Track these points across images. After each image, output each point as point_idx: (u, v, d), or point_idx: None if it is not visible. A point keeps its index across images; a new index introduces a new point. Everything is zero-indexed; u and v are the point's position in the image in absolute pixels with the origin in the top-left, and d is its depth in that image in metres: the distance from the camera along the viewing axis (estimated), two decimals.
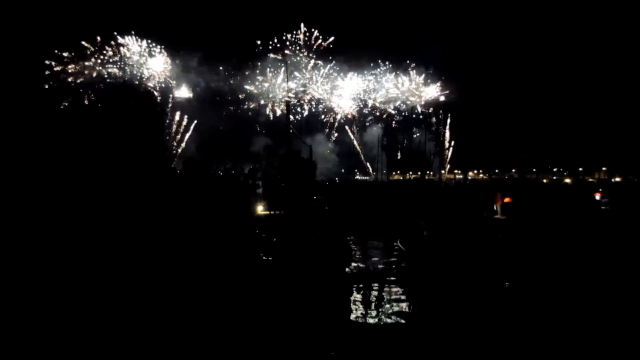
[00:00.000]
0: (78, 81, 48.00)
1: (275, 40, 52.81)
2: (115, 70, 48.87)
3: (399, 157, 62.41)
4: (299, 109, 55.20)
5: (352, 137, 59.07)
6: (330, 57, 54.15)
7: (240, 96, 53.60)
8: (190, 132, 51.75)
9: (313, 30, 53.62)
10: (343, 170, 61.66)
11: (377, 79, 56.93)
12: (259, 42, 52.56)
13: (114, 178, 20.80)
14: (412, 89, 57.84)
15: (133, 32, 49.04)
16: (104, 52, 48.48)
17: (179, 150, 51.22)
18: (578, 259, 13.05)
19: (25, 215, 14.75)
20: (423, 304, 10.91)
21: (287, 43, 53.34)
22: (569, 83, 61.48)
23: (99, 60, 48.44)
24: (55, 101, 44.60)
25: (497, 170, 76.24)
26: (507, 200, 22.54)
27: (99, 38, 48.09)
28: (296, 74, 54.19)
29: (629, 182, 60.38)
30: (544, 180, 67.42)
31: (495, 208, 22.38)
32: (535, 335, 8.09)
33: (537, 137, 61.43)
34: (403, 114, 59.57)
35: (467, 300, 10.36)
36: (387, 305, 10.68)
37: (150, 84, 50.06)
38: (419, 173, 61.87)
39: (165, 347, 7.22)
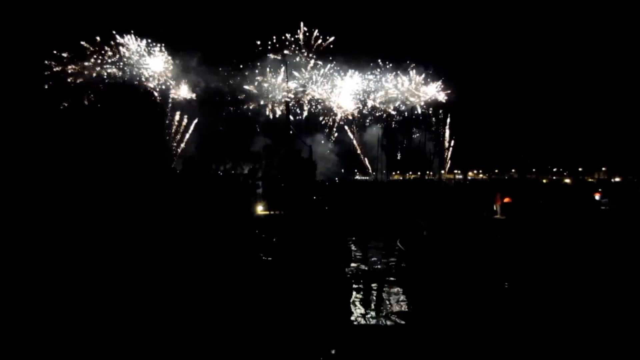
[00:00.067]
0: (78, 81, 48.06)
1: (275, 40, 52.91)
2: (115, 71, 48.91)
3: (398, 157, 62.52)
4: (298, 110, 55.28)
5: (351, 137, 59.17)
6: (331, 57, 54.27)
7: (239, 97, 53.68)
8: (190, 132, 51.85)
9: (313, 30, 53.71)
10: (343, 170, 61.68)
11: (377, 79, 57.04)
12: (258, 42, 52.65)
13: (114, 178, 20.81)
14: (411, 89, 57.92)
15: (132, 32, 49.11)
16: (104, 52, 48.57)
17: (179, 150, 51.31)
18: (578, 259, 13.06)
19: (26, 215, 14.76)
20: (423, 304, 10.92)
21: (287, 43, 53.41)
22: (568, 83, 61.54)
23: (99, 61, 48.51)
24: (55, 101, 44.62)
25: (496, 170, 76.37)
26: (506, 200, 22.54)
27: (98, 38, 48.16)
28: (296, 74, 54.27)
29: (629, 182, 60.41)
30: (544, 181, 67.47)
31: (495, 208, 22.38)
32: (535, 336, 8.09)
33: (537, 137, 61.56)
34: (403, 114, 59.68)
35: (466, 300, 10.36)
36: (387, 306, 10.68)
37: (150, 84, 50.09)
38: (419, 173, 61.95)
39: (165, 347, 7.22)
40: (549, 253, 13.83)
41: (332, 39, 53.82)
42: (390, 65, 57.00)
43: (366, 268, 14.76)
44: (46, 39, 44.76)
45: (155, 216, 16.07)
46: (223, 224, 16.36)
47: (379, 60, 56.61)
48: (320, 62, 54.35)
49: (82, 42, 47.66)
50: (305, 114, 55.90)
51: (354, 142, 59.39)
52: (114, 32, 48.29)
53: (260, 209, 22.97)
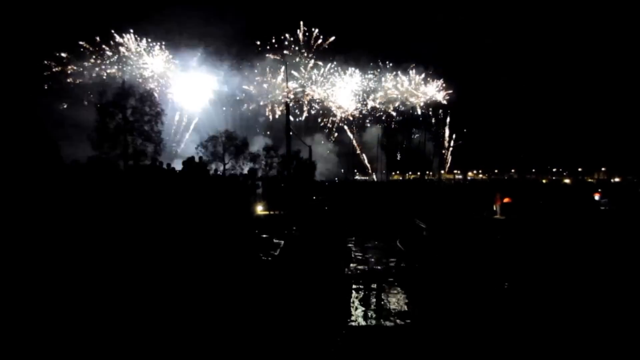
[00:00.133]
0: (77, 82, 48.07)
1: (274, 40, 52.95)
2: (114, 70, 48.92)
3: (398, 158, 62.58)
4: (297, 111, 55.29)
5: (351, 137, 59.26)
6: (331, 57, 54.34)
7: (237, 98, 53.70)
8: (190, 132, 51.86)
9: (313, 29, 53.80)
10: (342, 171, 61.76)
11: (376, 78, 57.11)
12: (258, 43, 52.69)
13: (114, 178, 20.77)
14: (411, 89, 58.01)
15: (132, 31, 49.13)
16: (103, 52, 48.58)
17: (179, 151, 51.31)
18: (577, 259, 13.06)
19: (26, 215, 14.72)
20: (423, 305, 10.91)
21: (287, 43, 53.49)
22: (568, 83, 61.62)
23: (98, 61, 48.53)
24: (55, 102, 44.67)
25: (496, 171, 76.45)
26: (506, 200, 22.55)
27: (98, 38, 48.20)
28: (295, 74, 54.32)
29: (628, 182, 60.45)
30: (544, 181, 67.52)
31: (494, 208, 22.39)
32: (535, 336, 8.09)
33: (537, 137, 61.65)
34: (403, 114, 59.76)
35: (466, 300, 10.36)
36: (387, 306, 10.68)
37: (150, 85, 50.09)
38: (419, 173, 62.02)
39: (164, 347, 7.21)
40: (548, 253, 13.82)
41: (332, 38, 54.10)
42: (390, 65, 57.20)
43: (366, 268, 14.75)
44: (46, 39, 44.80)
45: (154, 215, 16.03)
46: (222, 223, 16.34)
47: (379, 60, 56.76)
48: (320, 62, 54.49)
49: (82, 42, 47.76)
50: (305, 114, 55.96)
51: (354, 142, 59.51)
52: (112, 31, 48.38)
53: (260, 209, 22.96)
